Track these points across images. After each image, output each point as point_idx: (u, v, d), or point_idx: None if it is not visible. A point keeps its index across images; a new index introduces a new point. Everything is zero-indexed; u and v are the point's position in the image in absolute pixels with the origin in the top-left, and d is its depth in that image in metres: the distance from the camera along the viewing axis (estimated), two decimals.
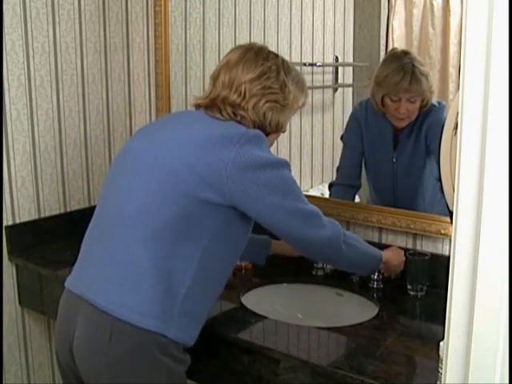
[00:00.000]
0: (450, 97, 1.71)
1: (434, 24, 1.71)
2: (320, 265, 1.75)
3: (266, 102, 1.30)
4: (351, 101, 1.96)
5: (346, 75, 1.98)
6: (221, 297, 1.37)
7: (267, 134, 1.32)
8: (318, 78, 1.97)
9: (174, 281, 1.21)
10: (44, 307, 1.89)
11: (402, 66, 1.64)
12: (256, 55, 1.32)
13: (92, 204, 2.13)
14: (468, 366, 0.68)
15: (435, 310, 1.47)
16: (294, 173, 1.99)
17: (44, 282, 1.87)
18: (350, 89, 1.99)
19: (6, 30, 1.81)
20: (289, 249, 1.47)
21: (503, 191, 0.62)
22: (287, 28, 1.98)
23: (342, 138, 1.89)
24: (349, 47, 1.92)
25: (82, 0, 2.01)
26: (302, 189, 1.98)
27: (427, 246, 1.67)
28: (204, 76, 2.09)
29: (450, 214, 0.76)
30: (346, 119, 1.88)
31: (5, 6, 1.79)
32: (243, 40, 1.98)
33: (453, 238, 0.69)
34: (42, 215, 2.00)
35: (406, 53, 1.69)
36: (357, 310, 1.60)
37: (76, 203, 2.10)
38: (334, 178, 1.92)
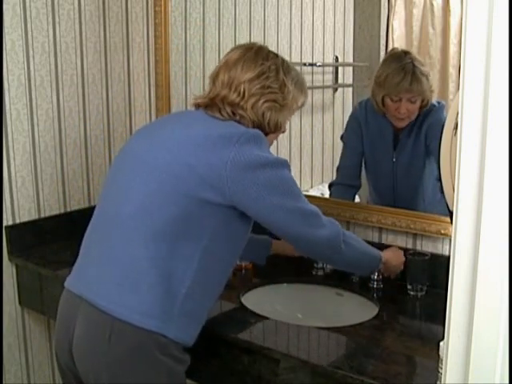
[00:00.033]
0: (450, 97, 1.71)
1: (434, 24, 1.71)
2: (320, 265, 1.75)
3: (265, 101, 1.30)
4: (351, 101, 1.96)
5: (346, 75, 1.98)
6: (221, 297, 1.37)
7: (266, 134, 1.32)
8: (318, 78, 1.97)
9: (174, 281, 1.21)
10: (44, 307, 1.89)
11: (403, 66, 1.64)
12: (256, 55, 1.32)
13: (92, 204, 2.13)
14: (468, 366, 0.68)
15: (435, 310, 1.47)
16: (294, 173, 1.99)
17: (44, 282, 1.87)
18: (350, 89, 1.99)
19: (6, 30, 1.81)
20: (289, 248, 1.47)
21: (503, 191, 0.62)
22: (287, 28, 1.98)
23: (341, 137, 1.89)
24: (349, 47, 1.92)
25: (81, 0, 2.01)
26: (302, 189, 1.98)
27: (427, 246, 1.67)
28: (204, 76, 2.09)
29: (450, 214, 0.76)
30: (346, 119, 1.88)
31: (5, 6, 1.79)
32: (243, 40, 1.98)
33: (453, 238, 0.69)
34: (42, 215, 2.00)
35: (406, 53, 1.68)
36: (357, 310, 1.60)
37: (76, 203, 2.10)
38: (334, 178, 1.92)
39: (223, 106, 1.30)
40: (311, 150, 2.03)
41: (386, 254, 1.56)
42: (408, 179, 1.77)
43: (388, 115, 1.71)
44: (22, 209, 1.94)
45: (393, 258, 1.59)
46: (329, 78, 1.99)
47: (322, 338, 1.42)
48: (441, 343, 0.97)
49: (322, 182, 2.02)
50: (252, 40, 1.96)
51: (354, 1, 1.87)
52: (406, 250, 1.64)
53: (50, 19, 1.93)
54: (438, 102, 1.67)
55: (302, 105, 1.42)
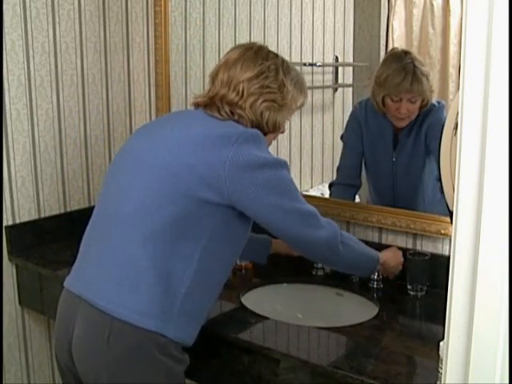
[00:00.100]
0: (450, 97, 1.71)
1: (434, 24, 1.71)
2: (320, 265, 1.75)
3: (264, 101, 1.30)
4: (351, 101, 1.96)
5: (346, 75, 1.98)
6: (221, 297, 1.37)
7: (265, 134, 1.31)
8: (318, 78, 1.97)
9: (174, 281, 1.21)
10: (44, 307, 1.89)
11: (403, 66, 1.63)
12: (255, 54, 1.32)
13: (92, 204, 2.13)
14: (468, 366, 0.68)
15: (435, 310, 1.47)
16: (294, 173, 2.00)
17: (44, 282, 1.87)
18: (350, 89, 1.99)
19: (6, 30, 1.81)
20: (289, 248, 1.47)
21: (503, 191, 0.62)
22: (287, 28, 1.98)
23: (341, 137, 1.89)
24: (349, 47, 1.92)
25: (81, 0, 2.01)
26: (302, 189, 1.99)
27: (427, 246, 1.67)
28: (204, 76, 2.09)
29: (450, 214, 0.76)
30: (346, 119, 1.88)
31: (5, 6, 1.79)
32: (243, 40, 1.98)
33: (453, 238, 0.69)
34: (42, 215, 2.00)
35: (406, 53, 1.68)
36: (357, 309, 1.60)
37: (76, 203, 2.10)
38: (334, 178, 1.93)
39: (222, 105, 1.30)
40: (311, 150, 2.03)
41: (384, 255, 1.55)
42: (408, 179, 1.77)
43: (388, 115, 1.71)
44: (22, 209, 1.94)
45: (391, 259, 1.59)
46: (329, 78, 1.99)
47: (321, 338, 1.42)
48: (441, 343, 0.97)
49: (322, 181, 2.02)
50: (252, 40, 1.96)
51: (354, 1, 1.86)
52: (405, 250, 1.64)
53: (50, 19, 1.93)
54: (438, 102, 1.67)
55: (302, 105, 1.42)
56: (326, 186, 1.94)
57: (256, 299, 1.61)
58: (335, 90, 2.00)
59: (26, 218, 1.95)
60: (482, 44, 0.62)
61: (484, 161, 0.63)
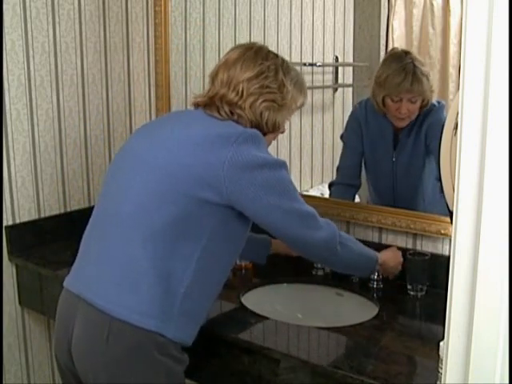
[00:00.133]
0: (450, 97, 1.71)
1: (434, 24, 1.71)
2: (320, 265, 1.75)
3: (264, 101, 1.30)
4: (351, 101, 1.96)
5: (346, 75, 1.98)
6: (221, 297, 1.37)
7: (264, 134, 1.31)
8: (318, 78, 1.97)
9: (173, 280, 1.21)
10: (44, 307, 1.89)
11: (404, 66, 1.63)
12: (255, 54, 1.32)
13: (92, 204, 2.13)
14: (468, 366, 0.68)
15: (435, 310, 1.47)
16: (294, 173, 2.00)
17: (44, 282, 1.87)
18: (350, 89, 1.99)
19: (6, 30, 1.81)
20: (289, 248, 1.47)
21: (503, 191, 0.62)
22: (287, 28, 1.98)
23: (341, 137, 1.89)
24: (349, 47, 1.92)
25: (81, 0, 2.01)
26: (302, 189, 1.99)
27: (427, 246, 1.67)
28: (204, 76, 2.09)
29: (450, 214, 0.76)
30: (346, 119, 1.88)
31: (5, 6, 1.79)
32: (243, 40, 1.98)
33: (453, 238, 0.69)
34: (42, 215, 2.00)
35: (406, 53, 1.68)
36: (357, 310, 1.60)
37: (76, 203, 2.10)
38: (334, 178, 1.93)
39: (222, 105, 1.30)
40: (311, 150, 2.03)
41: (383, 255, 1.55)
42: (408, 179, 1.77)
43: (388, 115, 1.71)
44: (22, 209, 1.94)
45: (390, 259, 1.59)
46: (329, 78, 1.99)
47: (321, 338, 1.42)
48: (441, 343, 0.97)
49: (322, 182, 2.02)
50: (252, 40, 1.96)
51: (354, 1, 1.86)
52: (405, 250, 1.64)
53: (50, 19, 1.93)
54: (438, 102, 1.67)
55: (302, 105, 1.42)
56: (326, 186, 1.94)
57: (256, 299, 1.61)
58: (335, 89, 2.00)
59: (25, 218, 1.95)
60: (482, 44, 0.62)
61: (484, 161, 0.63)
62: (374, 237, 1.77)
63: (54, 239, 2.01)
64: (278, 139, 1.53)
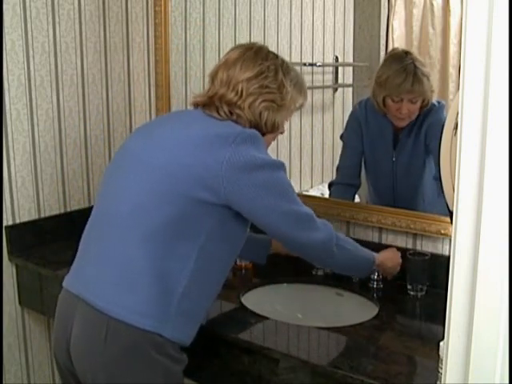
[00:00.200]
0: (450, 97, 1.71)
1: (434, 24, 1.71)
2: None
3: (263, 101, 1.30)
4: (351, 101, 1.96)
5: (346, 75, 1.98)
6: (221, 297, 1.37)
7: (263, 134, 1.31)
8: (318, 78, 1.97)
9: (171, 280, 1.21)
10: (44, 307, 1.89)
11: (404, 67, 1.63)
12: (255, 54, 1.32)
13: (92, 204, 2.12)
14: (468, 366, 0.68)
15: (435, 310, 1.47)
16: (294, 173, 2.00)
17: (44, 282, 1.87)
18: (350, 89, 1.99)
19: (6, 30, 1.81)
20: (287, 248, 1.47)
21: (503, 191, 0.62)
22: (287, 28, 1.98)
23: (341, 137, 1.89)
24: (349, 47, 1.92)
25: (81, 0, 2.01)
26: (302, 189, 1.99)
27: (427, 246, 1.67)
28: (204, 76, 2.09)
29: (450, 214, 0.76)
30: (346, 119, 1.88)
31: (5, 6, 1.79)
32: (243, 40, 1.98)
33: (453, 238, 0.69)
34: (42, 215, 2.00)
35: (407, 53, 1.68)
36: (357, 310, 1.60)
37: (76, 203, 2.10)
38: (334, 178, 1.93)
39: (221, 104, 1.29)
40: (311, 150, 2.03)
41: (381, 256, 1.55)
42: (408, 179, 1.77)
43: (389, 115, 1.71)
44: (22, 209, 1.94)
45: (388, 260, 1.58)
46: (329, 78, 1.99)
47: (321, 338, 1.42)
48: (441, 343, 0.97)
49: (322, 181, 2.02)
50: (252, 40, 1.97)
51: (354, 1, 1.86)
52: (405, 250, 1.64)
53: (50, 19, 1.93)
54: (438, 102, 1.67)
55: (301, 106, 1.41)
56: (326, 185, 1.94)
57: (256, 299, 1.61)
58: (335, 89, 2.00)
59: (26, 218, 1.95)
60: (482, 44, 0.62)
61: (484, 161, 0.63)
62: (374, 237, 1.77)
63: (53, 239, 2.01)
64: (278, 139, 1.53)
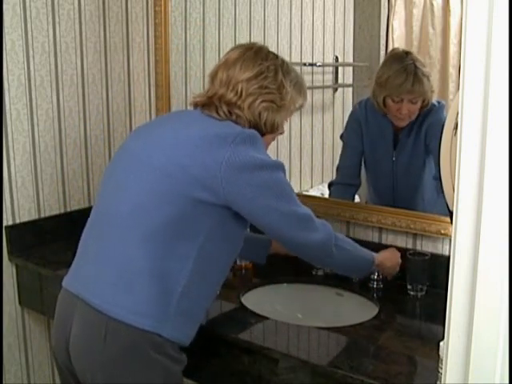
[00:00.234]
0: (450, 97, 1.71)
1: (434, 24, 1.71)
2: None
3: (262, 101, 1.29)
4: (351, 101, 1.96)
5: (346, 75, 1.98)
6: (221, 297, 1.37)
7: (263, 135, 1.31)
8: (318, 78, 1.97)
9: (169, 280, 1.21)
10: (44, 307, 1.89)
11: (405, 67, 1.63)
12: (255, 55, 1.31)
13: (92, 204, 2.12)
14: (468, 366, 0.68)
15: (435, 310, 1.47)
16: (294, 173, 2.00)
17: (44, 282, 1.87)
18: (350, 89, 1.99)
19: (6, 30, 1.81)
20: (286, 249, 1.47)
21: (503, 191, 0.62)
22: (287, 28, 1.98)
23: (341, 137, 1.89)
24: (349, 47, 1.92)
25: (81, 0, 2.01)
26: (302, 189, 1.99)
27: (427, 246, 1.67)
28: (204, 76, 2.09)
29: (450, 214, 0.76)
30: (346, 119, 1.88)
31: (5, 6, 1.79)
32: (243, 40, 1.98)
33: (453, 238, 0.69)
34: (42, 215, 2.00)
35: (407, 53, 1.68)
36: (357, 310, 1.60)
37: (76, 203, 2.10)
38: (334, 178, 1.93)
39: (220, 105, 1.29)
40: (311, 150, 2.03)
41: (380, 256, 1.55)
42: (408, 178, 1.77)
43: (389, 115, 1.71)
44: (22, 209, 1.94)
45: (387, 260, 1.58)
46: (329, 78, 1.99)
47: (321, 338, 1.42)
48: (441, 343, 0.97)
49: (322, 181, 2.02)
50: (252, 40, 1.97)
51: (354, 1, 1.86)
52: (405, 250, 1.64)
53: (50, 19, 1.93)
54: (438, 102, 1.67)
55: (301, 106, 1.41)
56: (326, 185, 1.95)
57: (256, 299, 1.61)
58: (335, 89, 2.00)
59: (26, 218, 1.95)
60: (482, 44, 0.62)
61: (484, 161, 0.63)
62: (373, 237, 1.77)
63: (53, 239, 2.01)
64: (278, 139, 1.53)
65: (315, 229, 1.32)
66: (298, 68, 1.44)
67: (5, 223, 1.90)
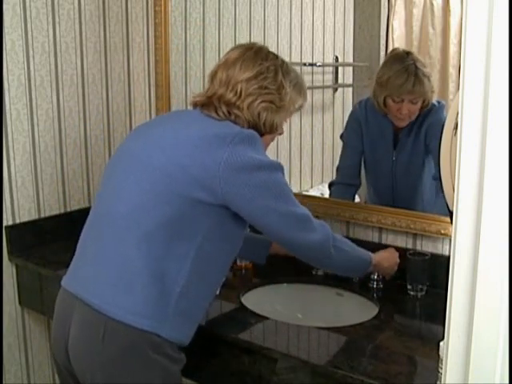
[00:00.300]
0: (450, 97, 1.71)
1: (434, 24, 1.71)
2: None
3: (262, 101, 1.29)
4: (351, 101, 1.96)
5: (346, 75, 1.98)
6: (221, 297, 1.37)
7: (262, 135, 1.31)
8: (318, 78, 1.97)
9: (168, 281, 1.21)
10: (44, 307, 1.88)
11: (406, 67, 1.63)
12: (255, 55, 1.31)
13: (92, 204, 2.13)
14: (468, 366, 0.68)
15: (435, 310, 1.47)
16: (294, 173, 2.00)
17: (44, 282, 1.87)
18: (350, 89, 1.99)
19: (6, 30, 1.81)
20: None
21: (503, 191, 0.62)
22: (287, 28, 1.98)
23: (341, 136, 1.89)
24: (349, 47, 1.92)
25: (81, 0, 2.01)
26: (302, 189, 1.99)
27: (427, 246, 1.67)
28: (204, 76, 2.09)
29: (450, 214, 0.76)
30: (346, 119, 1.88)
31: (5, 6, 1.79)
32: (243, 40, 1.98)
33: (453, 238, 0.69)
34: (42, 215, 2.00)
35: (408, 53, 1.68)
36: (357, 309, 1.60)
37: (76, 203, 2.10)
38: (334, 178, 1.93)
39: (219, 104, 1.29)
40: (311, 150, 2.03)
41: (377, 256, 1.55)
42: (407, 178, 1.77)
43: (389, 115, 1.71)
44: (22, 209, 1.94)
45: (385, 260, 1.58)
46: (329, 78, 1.99)
47: (321, 338, 1.42)
48: (441, 343, 0.97)
49: (322, 181, 2.02)
50: (252, 40, 1.96)
51: (354, 1, 1.87)
52: (405, 250, 1.64)
53: (50, 19, 1.93)
54: (438, 102, 1.67)
55: (301, 107, 1.41)
56: (326, 185, 1.95)
57: (256, 299, 1.61)
58: (335, 89, 2.00)
59: (26, 218, 1.95)
60: (482, 44, 0.62)
61: (484, 161, 0.63)
62: (373, 237, 1.77)
63: (54, 239, 2.01)
64: (278, 139, 1.53)
65: (313, 229, 1.32)
66: (297, 68, 1.44)
67: (5, 223, 1.90)
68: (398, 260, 1.61)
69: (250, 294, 1.64)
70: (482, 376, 0.67)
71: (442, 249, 1.65)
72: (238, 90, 1.29)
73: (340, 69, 1.97)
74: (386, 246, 1.66)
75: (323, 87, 1.99)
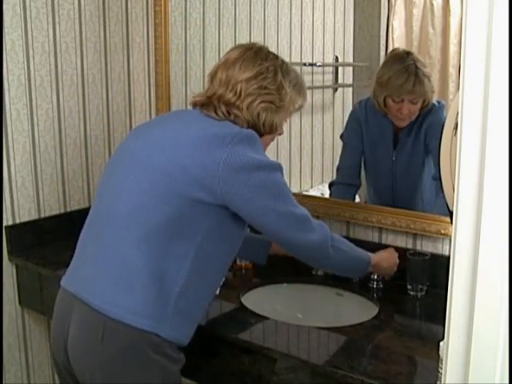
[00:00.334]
0: (450, 97, 1.71)
1: (434, 24, 1.71)
2: None
3: (261, 102, 1.29)
4: (351, 101, 1.96)
5: (346, 75, 1.98)
6: (221, 297, 1.36)
7: (261, 135, 1.31)
8: (318, 78, 1.97)
9: (167, 280, 1.21)
10: (44, 307, 1.88)
11: (406, 67, 1.63)
12: (255, 55, 1.31)
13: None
14: (468, 366, 0.68)
15: (435, 310, 1.47)
16: (294, 173, 2.00)
17: (44, 282, 1.87)
18: (350, 89, 1.99)
19: (6, 30, 1.81)
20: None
21: (503, 191, 0.62)
22: (287, 28, 1.98)
23: (341, 136, 1.89)
24: (349, 47, 1.92)
25: (81, 0, 2.01)
26: (302, 189, 1.99)
27: (427, 246, 1.67)
28: (204, 76, 2.09)
29: (450, 214, 0.76)
30: (346, 119, 1.88)
31: (5, 6, 1.79)
32: (243, 40, 1.98)
33: (453, 238, 0.69)
34: (42, 215, 2.00)
35: (408, 53, 1.68)
36: (357, 309, 1.60)
37: (76, 203, 2.10)
38: (334, 178, 1.93)
39: (219, 104, 1.29)
40: (311, 150, 2.03)
41: (376, 256, 1.55)
42: (407, 178, 1.77)
43: (389, 115, 1.71)
44: (22, 209, 1.94)
45: (384, 260, 1.58)
46: (329, 78, 1.99)
47: (321, 338, 1.42)
48: (441, 343, 0.97)
49: (322, 181, 2.02)
50: (252, 40, 1.97)
51: (354, 1, 1.86)
52: (405, 250, 1.64)
53: (50, 19, 1.93)
54: (438, 102, 1.67)
55: (300, 107, 1.41)
56: (326, 185, 1.95)
57: (256, 299, 1.61)
58: (335, 89, 2.00)
59: (26, 218, 1.95)
60: (482, 44, 0.62)
61: (484, 161, 0.63)
62: (373, 237, 1.77)
63: (54, 239, 2.01)
64: (278, 139, 1.53)
65: (312, 230, 1.32)
66: (297, 68, 1.44)
67: (5, 223, 1.90)
68: (397, 260, 1.61)
69: (249, 293, 1.64)
70: (482, 376, 0.67)
71: (442, 249, 1.65)
72: (238, 90, 1.29)
73: (340, 69, 1.97)
74: (386, 246, 1.66)
75: (323, 87, 1.99)
